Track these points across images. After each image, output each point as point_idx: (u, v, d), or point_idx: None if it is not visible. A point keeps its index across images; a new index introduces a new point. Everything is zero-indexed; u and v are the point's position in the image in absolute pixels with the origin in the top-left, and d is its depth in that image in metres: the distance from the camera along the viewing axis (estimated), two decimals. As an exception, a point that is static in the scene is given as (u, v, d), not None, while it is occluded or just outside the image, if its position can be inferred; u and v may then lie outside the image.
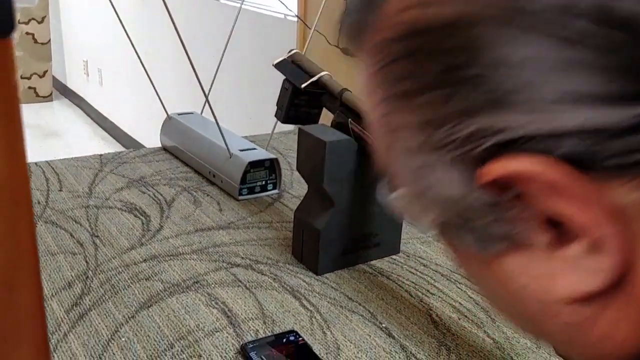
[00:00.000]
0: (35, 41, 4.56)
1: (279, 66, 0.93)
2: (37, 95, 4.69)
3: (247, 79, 2.38)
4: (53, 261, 0.81)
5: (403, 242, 0.91)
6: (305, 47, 1.17)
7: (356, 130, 0.81)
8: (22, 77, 4.57)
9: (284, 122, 0.92)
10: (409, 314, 0.75)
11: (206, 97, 1.06)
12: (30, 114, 4.44)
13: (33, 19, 4.50)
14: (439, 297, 0.79)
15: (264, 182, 1.07)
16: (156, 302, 0.73)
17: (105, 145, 3.91)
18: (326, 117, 0.88)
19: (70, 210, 0.96)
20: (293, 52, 0.93)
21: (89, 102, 4.42)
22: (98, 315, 0.70)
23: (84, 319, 0.70)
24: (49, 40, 4.65)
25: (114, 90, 3.92)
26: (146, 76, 1.19)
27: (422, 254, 0.89)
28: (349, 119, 0.82)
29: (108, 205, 0.99)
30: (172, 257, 0.84)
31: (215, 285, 0.78)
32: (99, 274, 0.79)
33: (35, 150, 3.82)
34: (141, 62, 1.17)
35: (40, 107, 4.59)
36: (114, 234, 0.89)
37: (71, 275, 0.78)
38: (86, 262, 0.82)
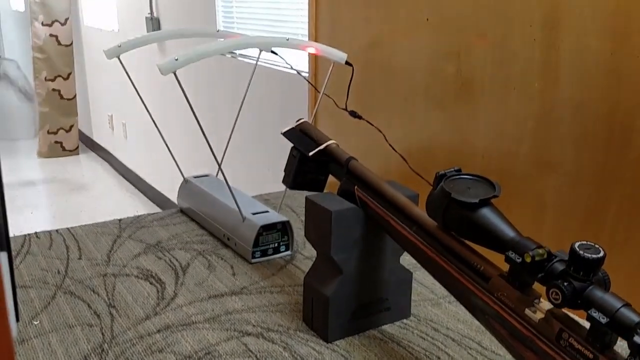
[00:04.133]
0: (62, 97, 4.71)
1: (287, 134, 0.96)
2: (64, 150, 4.82)
3: (266, 133, 2.43)
4: (71, 334, 0.83)
5: (414, 305, 0.91)
6: (315, 109, 1.20)
7: (362, 198, 0.82)
8: (48, 132, 4.72)
9: (291, 188, 0.94)
10: (418, 382, 0.75)
11: (219, 164, 1.09)
12: (57, 168, 4.55)
13: (59, 75, 4.65)
14: (449, 363, 0.79)
15: (276, 244, 1.09)
16: (168, 376, 0.75)
17: (130, 198, 3.98)
18: (334, 181, 0.90)
19: (89, 280, 0.99)
20: (301, 121, 0.96)
21: (115, 155, 4.52)
22: (112, 390, 0.72)
23: (98, 394, 0.71)
24: (75, 96, 4.81)
25: (138, 143, 4.02)
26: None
27: (433, 317, 0.90)
28: (355, 187, 0.84)
29: (125, 272, 1.01)
30: (185, 326, 0.86)
31: (226, 356, 0.79)
32: (114, 346, 0.81)
33: (62, 205, 3.91)
34: (157, 127, 1.21)
35: (66, 161, 4.71)
36: (129, 303, 0.92)
37: (87, 349, 0.80)
38: (102, 334, 0.84)
